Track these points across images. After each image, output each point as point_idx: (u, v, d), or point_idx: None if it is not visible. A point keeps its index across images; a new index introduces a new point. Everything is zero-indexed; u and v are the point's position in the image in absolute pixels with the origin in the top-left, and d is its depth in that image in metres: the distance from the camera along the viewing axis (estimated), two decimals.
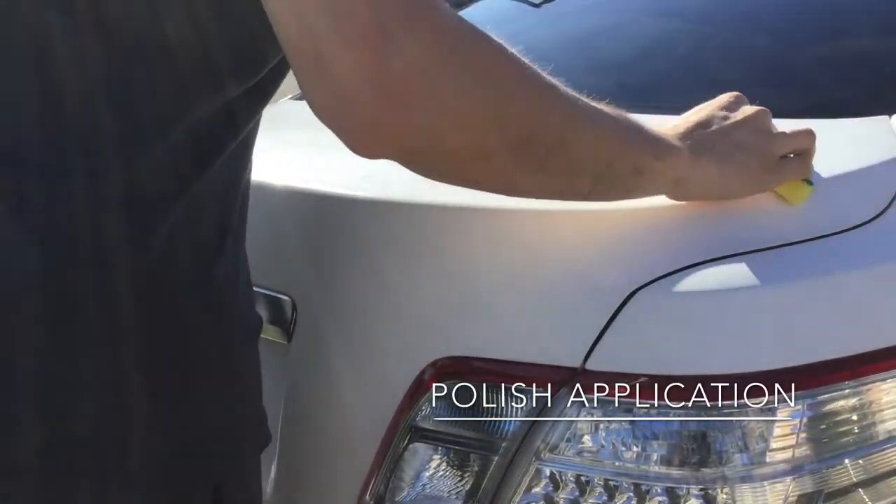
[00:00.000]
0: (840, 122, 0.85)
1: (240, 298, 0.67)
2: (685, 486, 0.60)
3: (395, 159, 0.57)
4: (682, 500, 0.60)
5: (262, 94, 0.66)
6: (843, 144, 0.80)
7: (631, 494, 0.61)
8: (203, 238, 0.63)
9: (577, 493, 0.62)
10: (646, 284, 0.61)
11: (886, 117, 0.82)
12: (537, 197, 0.64)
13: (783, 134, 0.70)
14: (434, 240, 0.72)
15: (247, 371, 0.68)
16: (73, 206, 0.57)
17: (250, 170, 0.70)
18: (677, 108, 1.00)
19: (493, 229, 0.70)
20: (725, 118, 0.69)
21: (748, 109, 0.70)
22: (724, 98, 0.71)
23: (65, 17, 0.57)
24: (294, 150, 1.08)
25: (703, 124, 0.68)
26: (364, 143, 0.55)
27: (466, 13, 1.66)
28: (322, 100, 0.53)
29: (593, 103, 0.61)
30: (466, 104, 0.54)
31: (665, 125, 0.68)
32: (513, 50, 0.57)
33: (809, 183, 0.69)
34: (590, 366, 0.61)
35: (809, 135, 0.71)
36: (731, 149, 0.67)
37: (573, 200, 0.64)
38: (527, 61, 0.58)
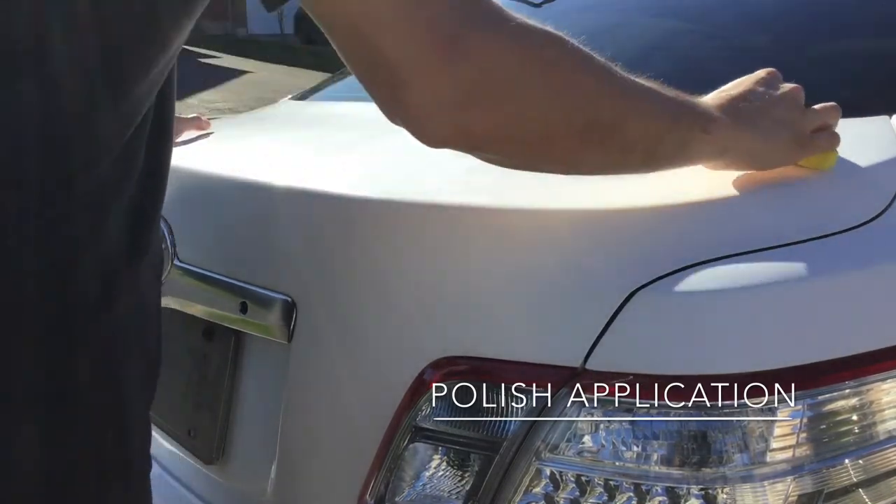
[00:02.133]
0: (840, 122, 0.85)
1: (114, 317, 0.60)
2: (685, 486, 0.60)
3: (462, 149, 0.62)
4: (683, 500, 0.60)
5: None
6: (843, 144, 0.80)
7: (631, 494, 0.61)
8: (60, 254, 0.57)
9: (577, 493, 0.62)
10: (646, 284, 0.61)
11: (886, 117, 0.82)
12: (593, 173, 0.68)
13: (814, 110, 0.74)
14: (433, 239, 0.72)
15: (116, 396, 0.61)
16: None
17: (157, 178, 0.64)
18: None
19: (493, 229, 0.70)
20: (764, 94, 0.73)
21: (784, 86, 0.74)
22: (762, 73, 0.75)
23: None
24: (294, 150, 1.08)
25: (744, 98, 0.72)
26: (434, 140, 0.61)
27: None
28: (398, 108, 0.59)
29: (643, 82, 0.65)
30: (535, 99, 0.60)
31: (706, 97, 0.71)
32: (572, 40, 0.62)
33: (834, 151, 0.74)
34: (590, 366, 0.61)
35: (836, 110, 0.76)
36: (769, 123, 0.71)
37: (626, 173, 0.69)
38: (586, 49, 0.63)
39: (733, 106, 0.70)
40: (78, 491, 0.59)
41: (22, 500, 0.56)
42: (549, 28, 0.62)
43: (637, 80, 0.65)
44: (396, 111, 0.60)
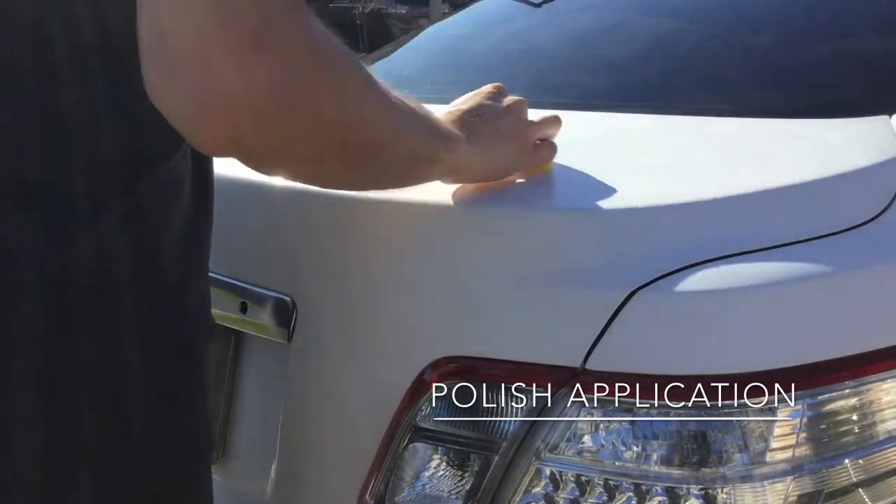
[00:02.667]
0: (840, 122, 0.85)
1: (188, 297, 0.67)
2: (685, 486, 0.60)
3: (237, 157, 0.57)
4: (682, 500, 0.60)
5: None
6: (843, 144, 0.80)
7: (631, 494, 0.61)
8: (150, 231, 0.63)
9: (577, 493, 0.62)
10: (646, 284, 0.61)
11: (886, 117, 0.82)
12: (351, 189, 0.68)
13: (536, 122, 0.77)
14: (434, 240, 0.72)
15: (192, 377, 0.68)
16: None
17: (210, 174, 0.70)
18: (677, 109, 1.00)
19: (493, 229, 0.70)
20: (491, 107, 0.74)
21: (509, 99, 0.76)
22: (488, 88, 0.77)
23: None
24: None
25: (474, 112, 0.73)
26: (207, 142, 0.56)
27: (467, 13, 1.66)
28: (177, 101, 0.53)
29: (402, 98, 0.64)
30: (317, 117, 0.56)
31: (442, 112, 0.72)
32: (353, 57, 0.59)
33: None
34: (590, 366, 0.61)
35: (556, 122, 0.78)
36: (496, 136, 0.73)
37: (371, 189, 0.69)
38: (362, 66, 0.60)
39: (465, 122, 0.71)
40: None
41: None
42: (345, 46, 0.58)
43: (399, 97, 0.64)
44: (169, 103, 0.53)
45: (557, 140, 0.78)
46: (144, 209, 0.62)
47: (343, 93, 0.57)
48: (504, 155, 0.73)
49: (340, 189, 0.68)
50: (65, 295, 0.58)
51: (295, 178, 0.64)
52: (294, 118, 0.54)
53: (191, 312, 0.68)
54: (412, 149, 0.65)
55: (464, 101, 0.75)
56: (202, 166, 0.70)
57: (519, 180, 0.75)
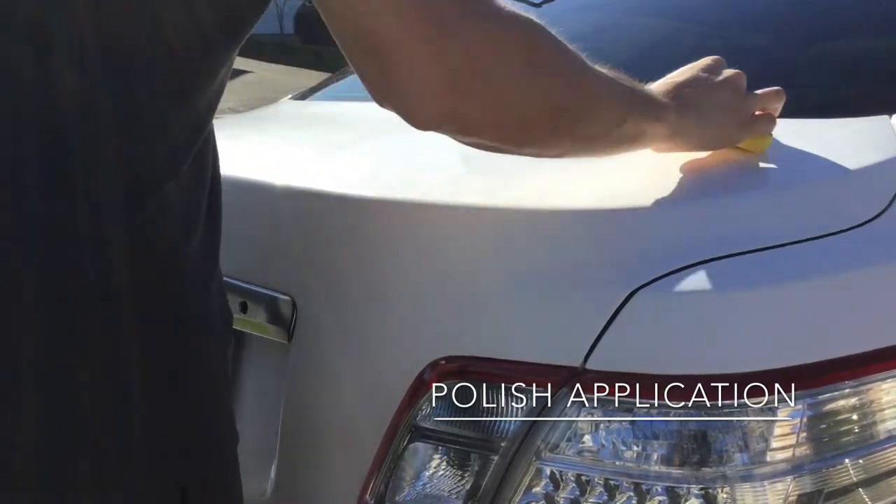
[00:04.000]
0: (840, 122, 0.85)
1: (210, 295, 0.68)
2: (685, 486, 0.60)
3: (451, 131, 0.64)
4: (683, 500, 0.60)
5: (220, 91, 0.67)
6: (843, 144, 0.80)
7: (631, 494, 0.61)
8: (170, 237, 0.63)
9: (577, 493, 0.62)
10: (646, 284, 0.61)
11: (886, 117, 0.82)
12: (560, 157, 0.70)
13: (755, 94, 0.78)
14: (434, 240, 0.72)
15: (217, 369, 0.68)
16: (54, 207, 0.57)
17: (217, 171, 0.71)
18: None
19: (493, 229, 0.70)
20: (707, 79, 0.76)
21: (727, 72, 0.78)
22: (707, 60, 0.78)
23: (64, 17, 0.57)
24: (294, 150, 1.08)
25: (688, 84, 0.75)
26: (425, 122, 0.62)
27: None
28: (389, 91, 0.61)
29: (605, 71, 0.68)
30: (517, 86, 0.62)
31: (655, 84, 0.75)
32: (548, 29, 0.64)
33: (769, 135, 0.78)
34: (590, 366, 0.61)
35: (778, 94, 0.79)
36: (711, 107, 0.75)
37: (587, 156, 0.71)
38: (560, 38, 0.65)
39: (678, 92, 0.74)
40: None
41: None
42: (532, 16, 0.64)
43: (599, 68, 0.67)
44: (386, 93, 0.61)
45: None
46: (170, 210, 0.62)
47: (534, 60, 0.63)
48: (719, 125, 0.75)
49: (554, 157, 0.69)
50: (83, 298, 0.58)
51: (512, 149, 0.67)
52: (492, 90, 0.61)
53: (213, 309, 0.68)
54: (616, 115, 0.68)
55: (679, 74, 0.77)
56: (212, 165, 0.70)
57: (738, 153, 0.76)
